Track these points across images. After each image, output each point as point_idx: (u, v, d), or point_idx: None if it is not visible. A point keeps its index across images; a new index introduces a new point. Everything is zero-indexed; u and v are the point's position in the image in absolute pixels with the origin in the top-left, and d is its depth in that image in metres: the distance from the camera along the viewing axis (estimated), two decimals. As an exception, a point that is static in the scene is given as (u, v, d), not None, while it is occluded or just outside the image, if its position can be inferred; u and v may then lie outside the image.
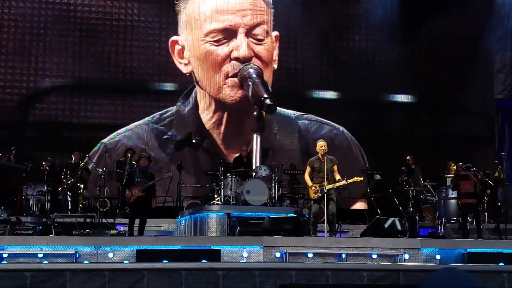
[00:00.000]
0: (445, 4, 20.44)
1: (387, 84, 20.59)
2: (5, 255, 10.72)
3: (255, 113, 16.63)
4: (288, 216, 12.79)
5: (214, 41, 18.56)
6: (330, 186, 12.34)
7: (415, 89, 20.72)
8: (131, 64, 19.18)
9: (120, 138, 18.62)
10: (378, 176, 16.85)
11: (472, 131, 20.80)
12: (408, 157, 17.16)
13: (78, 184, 14.75)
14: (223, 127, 18.77)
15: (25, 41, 18.91)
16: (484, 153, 20.38)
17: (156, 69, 19.37)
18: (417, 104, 20.83)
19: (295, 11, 19.52)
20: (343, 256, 11.36)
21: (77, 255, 10.84)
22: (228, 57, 18.48)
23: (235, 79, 18.33)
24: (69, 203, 14.58)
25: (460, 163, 14.48)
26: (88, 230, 12.40)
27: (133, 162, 14.73)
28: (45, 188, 15.07)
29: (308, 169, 12.70)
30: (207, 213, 13.56)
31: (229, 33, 18.59)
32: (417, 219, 14.90)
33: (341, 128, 19.60)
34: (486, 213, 15.66)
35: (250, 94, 17.51)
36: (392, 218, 13.18)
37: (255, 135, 16.52)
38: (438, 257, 11.65)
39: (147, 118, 18.86)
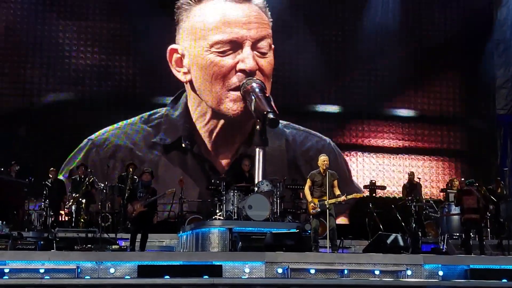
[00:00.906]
0: (446, 20, 20.47)
1: (388, 98, 20.58)
2: (6, 270, 10.72)
3: (258, 127, 16.63)
4: (290, 231, 12.73)
5: (219, 52, 18.60)
6: (332, 201, 12.32)
7: (416, 103, 20.72)
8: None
9: (108, 135, 18.60)
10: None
11: (474, 147, 20.76)
12: (409, 172, 17.21)
13: (80, 199, 14.78)
14: (215, 134, 18.75)
15: (29, 56, 18.94)
16: (486, 168, 20.33)
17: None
18: (418, 119, 20.81)
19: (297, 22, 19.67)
20: (346, 272, 11.36)
21: (79, 270, 10.84)
22: (233, 69, 18.51)
23: (238, 93, 18.32)
24: (73, 218, 14.60)
25: (463, 179, 14.48)
26: (89, 245, 12.40)
27: (135, 177, 14.75)
28: (44, 201, 15.03)
29: (308, 182, 12.67)
30: (209, 228, 13.52)
31: (234, 45, 18.63)
32: (420, 234, 14.85)
33: (328, 140, 19.59)
34: (489, 229, 15.65)
35: (252, 108, 17.49)
36: (395, 234, 13.14)
37: (257, 149, 16.50)
38: (440, 273, 11.64)
39: (135, 117, 18.87)
